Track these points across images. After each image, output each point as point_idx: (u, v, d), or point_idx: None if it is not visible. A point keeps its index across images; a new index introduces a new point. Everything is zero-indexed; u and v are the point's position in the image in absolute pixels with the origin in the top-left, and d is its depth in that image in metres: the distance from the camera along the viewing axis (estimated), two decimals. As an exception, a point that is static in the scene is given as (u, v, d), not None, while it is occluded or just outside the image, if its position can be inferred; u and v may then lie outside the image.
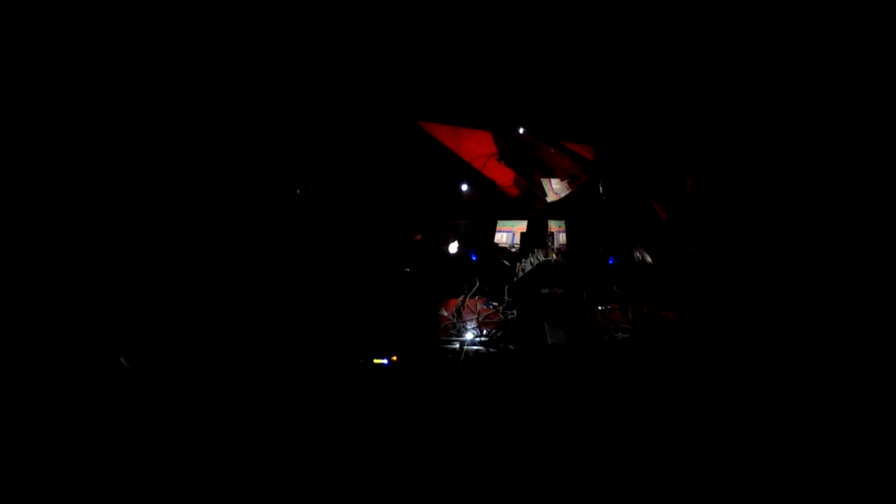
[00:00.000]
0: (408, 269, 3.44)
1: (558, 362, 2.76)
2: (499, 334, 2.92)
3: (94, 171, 2.87)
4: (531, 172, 4.00)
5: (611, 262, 3.50)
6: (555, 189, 3.90)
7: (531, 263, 3.17)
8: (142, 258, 2.98)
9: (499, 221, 3.89)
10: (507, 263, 3.34)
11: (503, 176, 4.15)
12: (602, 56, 3.50)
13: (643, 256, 3.47)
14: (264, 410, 2.78)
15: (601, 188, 3.66)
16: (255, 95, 3.43)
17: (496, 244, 3.67)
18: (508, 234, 3.77)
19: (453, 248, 3.60)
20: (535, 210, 4.00)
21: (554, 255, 3.19)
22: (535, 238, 3.61)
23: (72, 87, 2.83)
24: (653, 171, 3.69)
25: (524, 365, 2.79)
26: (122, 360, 2.76)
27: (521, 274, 3.17)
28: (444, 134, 4.06)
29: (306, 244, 3.56)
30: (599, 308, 3.18)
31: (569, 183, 3.87)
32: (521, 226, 3.82)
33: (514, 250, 3.57)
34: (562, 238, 3.66)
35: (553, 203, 3.91)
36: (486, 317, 3.12)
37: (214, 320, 3.04)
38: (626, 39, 3.41)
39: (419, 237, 3.83)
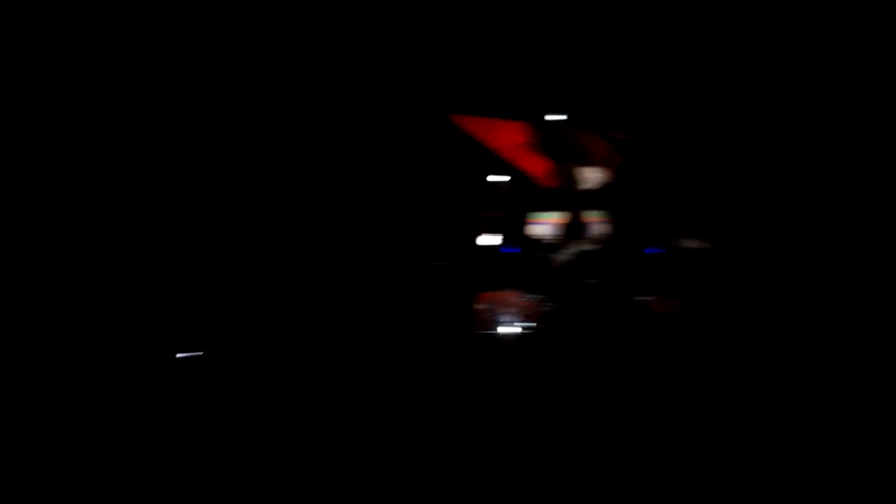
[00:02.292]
0: (443, 264, 3.42)
1: (596, 348, 2.71)
2: (537, 326, 2.88)
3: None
4: (565, 161, 3.92)
5: (651, 251, 3.40)
6: (591, 177, 3.81)
7: (569, 254, 3.10)
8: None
9: (535, 213, 3.81)
10: (543, 255, 3.29)
11: (537, 166, 4.07)
12: (630, 42, 3.41)
13: (682, 243, 3.36)
14: (292, 399, 2.79)
15: (635, 174, 3.56)
16: (278, 93, 3.47)
17: (532, 236, 3.60)
18: (545, 225, 3.70)
19: (489, 240, 3.56)
20: (571, 199, 3.92)
21: (591, 245, 3.11)
22: (572, 228, 3.54)
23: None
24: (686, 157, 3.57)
25: (564, 354, 2.74)
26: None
27: (558, 265, 3.11)
28: (475, 126, 4.01)
29: (338, 241, 3.58)
30: (641, 299, 3.10)
31: (604, 169, 3.78)
32: (558, 216, 3.74)
33: (550, 241, 3.50)
34: (599, 228, 3.56)
35: (589, 191, 3.81)
36: (524, 309, 3.07)
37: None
38: (655, 25, 3.31)
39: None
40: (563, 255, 3.16)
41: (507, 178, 4.03)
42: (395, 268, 3.52)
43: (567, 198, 3.92)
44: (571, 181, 3.89)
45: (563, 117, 3.83)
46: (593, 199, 3.79)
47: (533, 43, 3.55)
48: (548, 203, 3.90)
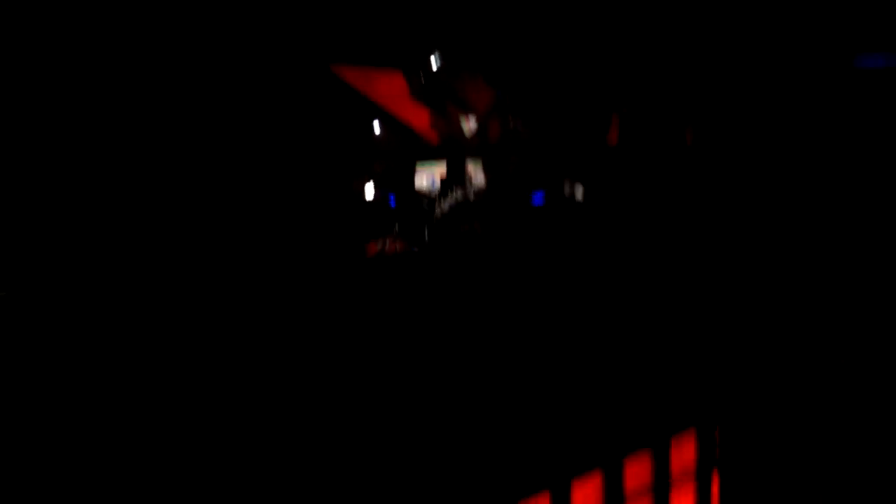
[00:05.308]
0: (328, 220, 3.29)
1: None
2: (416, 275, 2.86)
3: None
4: (447, 108, 3.85)
5: (537, 200, 3.46)
6: (472, 125, 3.78)
7: (449, 204, 3.09)
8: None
9: (417, 163, 3.74)
10: (426, 206, 3.25)
11: (419, 116, 3.98)
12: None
13: (573, 190, 3.44)
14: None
15: (511, 119, 3.58)
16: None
17: (414, 187, 3.55)
18: (428, 176, 3.65)
19: (370, 194, 3.46)
20: (454, 148, 3.88)
21: (472, 194, 3.12)
22: (453, 178, 3.52)
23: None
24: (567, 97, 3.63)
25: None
26: None
27: (440, 215, 3.09)
28: (353, 76, 3.83)
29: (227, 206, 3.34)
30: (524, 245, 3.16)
31: (479, 116, 3.77)
32: (441, 167, 3.70)
33: (433, 192, 3.47)
34: (481, 176, 3.57)
35: (471, 139, 3.79)
36: (405, 261, 3.04)
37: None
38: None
39: None
40: (445, 205, 3.13)
41: (389, 130, 3.91)
42: (281, 229, 3.35)
43: (450, 147, 3.88)
44: (454, 130, 3.85)
45: (445, 63, 3.75)
46: (477, 147, 3.78)
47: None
48: (431, 153, 3.85)
